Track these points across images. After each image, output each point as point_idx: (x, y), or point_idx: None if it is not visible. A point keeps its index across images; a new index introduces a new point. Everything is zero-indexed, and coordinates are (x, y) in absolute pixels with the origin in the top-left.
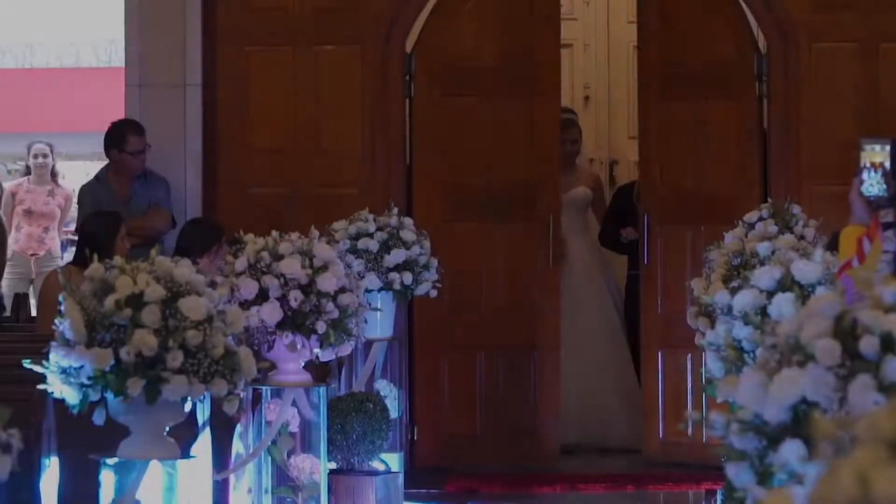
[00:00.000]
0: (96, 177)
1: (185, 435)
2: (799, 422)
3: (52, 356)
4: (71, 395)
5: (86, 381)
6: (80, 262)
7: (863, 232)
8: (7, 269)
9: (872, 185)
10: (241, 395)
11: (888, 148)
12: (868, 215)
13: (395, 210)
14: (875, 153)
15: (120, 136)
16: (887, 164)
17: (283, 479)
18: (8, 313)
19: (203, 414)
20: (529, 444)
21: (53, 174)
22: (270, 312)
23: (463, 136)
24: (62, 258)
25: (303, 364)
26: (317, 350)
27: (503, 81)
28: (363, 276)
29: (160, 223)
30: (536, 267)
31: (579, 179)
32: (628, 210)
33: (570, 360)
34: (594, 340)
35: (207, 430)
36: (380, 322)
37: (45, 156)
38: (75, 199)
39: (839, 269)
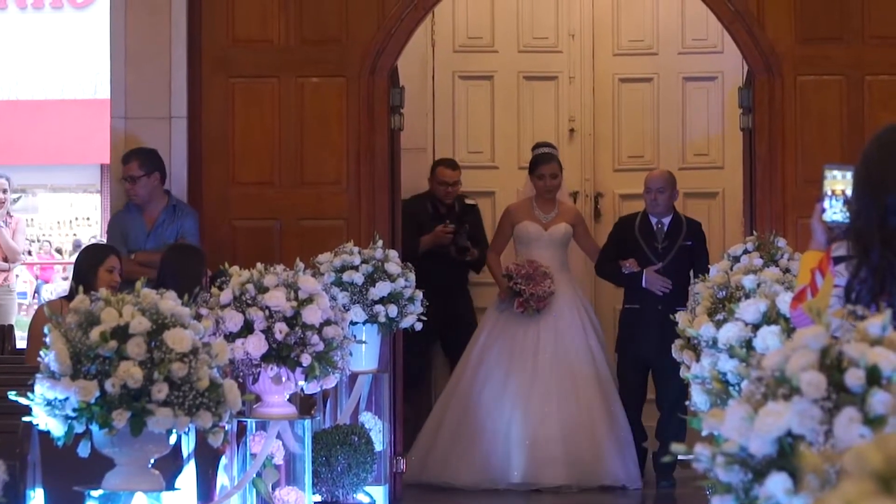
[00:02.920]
0: (127, 205)
1: (169, 467)
2: (785, 455)
3: (37, 388)
4: (56, 427)
5: (71, 413)
6: (70, 295)
7: (817, 260)
8: None
9: (835, 212)
10: (226, 428)
11: (849, 175)
12: (827, 242)
13: (380, 243)
14: (837, 181)
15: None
16: (848, 192)
17: None
18: None
19: (188, 446)
20: None
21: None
22: (255, 345)
23: None
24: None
25: (287, 396)
26: (302, 382)
27: None
28: (348, 309)
29: None
30: None
31: (560, 215)
32: (630, 242)
33: (550, 398)
34: (577, 378)
35: (192, 462)
36: (365, 355)
37: (3, 191)
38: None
39: (794, 297)
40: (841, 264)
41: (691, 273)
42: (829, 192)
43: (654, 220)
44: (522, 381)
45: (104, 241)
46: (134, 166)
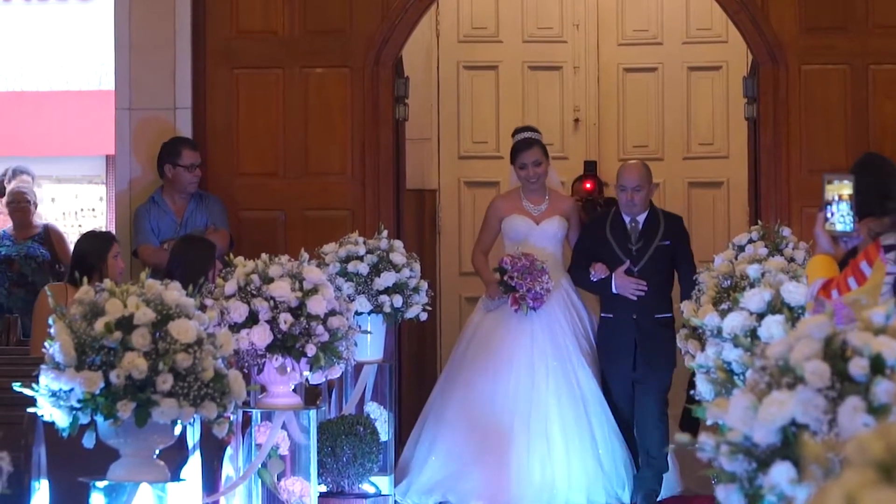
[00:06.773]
0: (151, 198)
1: (174, 458)
2: (789, 444)
3: (42, 379)
4: (61, 418)
5: (76, 404)
6: (72, 281)
7: (827, 260)
8: None
9: (841, 217)
10: (231, 418)
11: (848, 181)
12: (832, 248)
13: (385, 233)
14: (843, 185)
15: (174, 151)
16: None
17: (273, 502)
18: None
19: (193, 437)
20: None
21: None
22: (260, 335)
23: None
24: None
25: (293, 387)
26: (307, 373)
27: None
28: (353, 299)
29: (220, 243)
30: None
31: (552, 207)
32: (601, 243)
33: (544, 414)
34: (574, 393)
35: (197, 452)
36: (370, 345)
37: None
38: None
39: (822, 287)
40: (892, 252)
41: (674, 277)
42: (836, 198)
43: (627, 219)
44: (515, 393)
45: (111, 231)
46: (198, 154)
